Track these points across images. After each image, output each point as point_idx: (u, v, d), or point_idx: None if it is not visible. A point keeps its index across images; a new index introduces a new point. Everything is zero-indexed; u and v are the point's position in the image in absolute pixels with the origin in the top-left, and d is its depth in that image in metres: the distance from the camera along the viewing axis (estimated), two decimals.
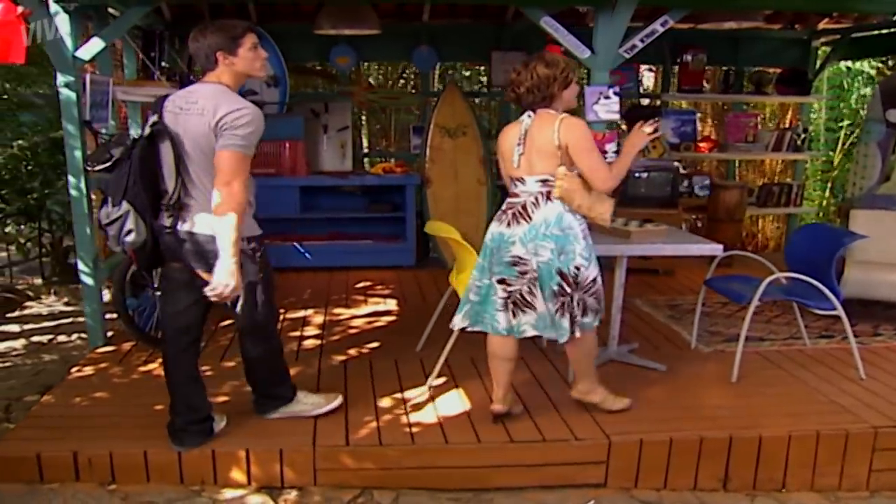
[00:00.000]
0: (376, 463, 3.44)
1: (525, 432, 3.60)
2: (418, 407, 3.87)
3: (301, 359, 4.56)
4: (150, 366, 4.38)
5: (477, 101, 9.72)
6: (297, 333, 5.06)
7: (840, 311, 4.19)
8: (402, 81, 10.74)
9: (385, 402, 3.92)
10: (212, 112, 3.06)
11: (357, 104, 7.45)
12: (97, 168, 4.42)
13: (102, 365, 4.39)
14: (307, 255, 6.84)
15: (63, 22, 4.35)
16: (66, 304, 6.69)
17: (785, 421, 3.72)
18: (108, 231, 3.24)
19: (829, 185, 9.01)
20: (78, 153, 4.46)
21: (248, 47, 3.20)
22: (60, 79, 4.40)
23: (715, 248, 4.15)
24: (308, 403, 3.71)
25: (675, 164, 6.77)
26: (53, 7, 4.30)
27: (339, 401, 3.76)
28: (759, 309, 5.49)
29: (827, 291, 4.16)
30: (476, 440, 3.52)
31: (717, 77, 8.28)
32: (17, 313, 6.41)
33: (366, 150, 9.44)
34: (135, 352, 4.61)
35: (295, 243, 6.82)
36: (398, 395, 4.01)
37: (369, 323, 5.33)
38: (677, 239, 4.27)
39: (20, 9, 3.61)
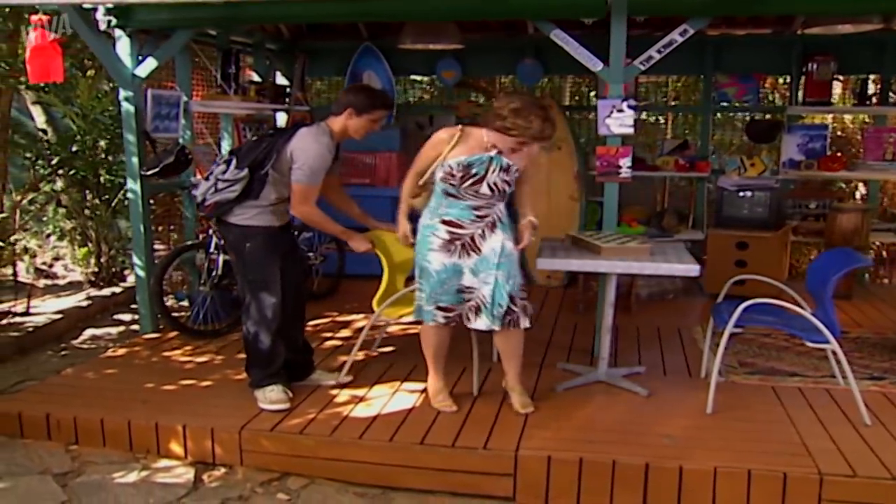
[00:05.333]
0: (292, 450, 3.88)
1: (442, 436, 3.87)
2: (368, 405, 4.26)
3: (318, 351, 5.11)
4: (174, 352, 5.15)
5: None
6: (329, 333, 5.63)
7: (833, 345, 3.99)
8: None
9: (342, 398, 4.36)
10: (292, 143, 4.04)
11: (461, 117, 7.90)
12: (149, 172, 5.34)
13: (136, 349, 5.23)
14: None
15: (124, 43, 5.28)
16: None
17: (722, 455, 3.64)
18: (218, 184, 4.09)
19: None
20: (135, 160, 5.35)
21: (371, 118, 4.13)
22: (122, 94, 5.33)
23: (690, 269, 4.13)
24: (262, 398, 4.21)
25: (776, 183, 6.52)
26: (118, 32, 5.24)
27: (282, 406, 4.17)
28: None
29: (815, 321, 3.99)
30: (389, 439, 3.86)
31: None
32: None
33: None
34: (172, 341, 5.41)
35: None
36: (360, 393, 4.43)
37: (403, 330, 5.76)
38: (655, 258, 4.28)
39: (52, 35, 4.51)
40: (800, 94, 7.01)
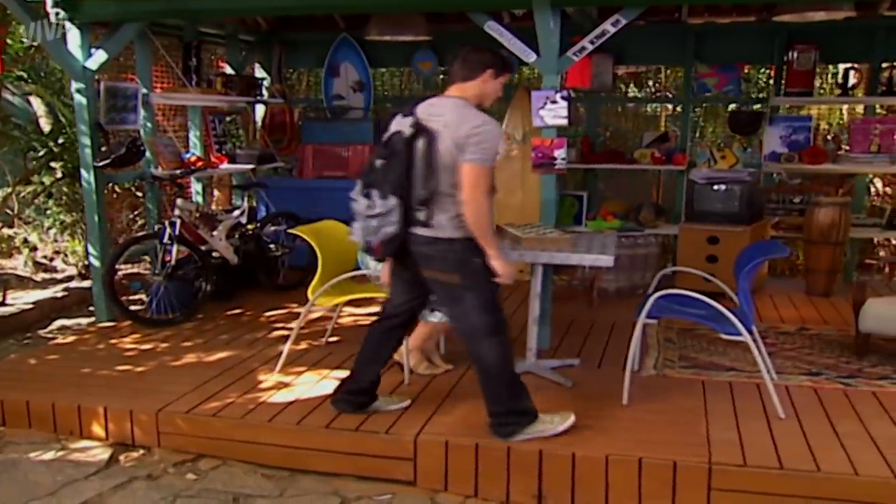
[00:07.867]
0: (205, 432, 4.18)
1: (349, 421, 4.12)
2: (290, 390, 4.56)
3: (262, 340, 5.52)
4: (122, 340, 5.50)
5: None
6: (281, 324, 5.95)
7: (747, 338, 4.16)
8: None
9: (266, 384, 4.66)
10: (455, 125, 3.60)
11: None
12: (101, 164, 5.70)
13: (85, 336, 5.60)
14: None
15: (74, 36, 5.63)
16: None
17: (619, 444, 3.84)
18: (370, 222, 3.75)
19: None
20: (88, 151, 5.71)
21: (504, 81, 3.86)
22: (74, 86, 5.70)
23: (601, 260, 4.34)
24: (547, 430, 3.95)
25: (748, 176, 6.66)
26: (68, 24, 5.60)
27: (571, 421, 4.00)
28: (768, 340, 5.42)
29: (727, 313, 4.17)
30: (297, 422, 4.14)
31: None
32: None
33: None
34: (123, 329, 5.76)
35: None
36: (287, 379, 4.73)
37: (355, 321, 6.04)
38: (577, 249, 4.50)
39: None
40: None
